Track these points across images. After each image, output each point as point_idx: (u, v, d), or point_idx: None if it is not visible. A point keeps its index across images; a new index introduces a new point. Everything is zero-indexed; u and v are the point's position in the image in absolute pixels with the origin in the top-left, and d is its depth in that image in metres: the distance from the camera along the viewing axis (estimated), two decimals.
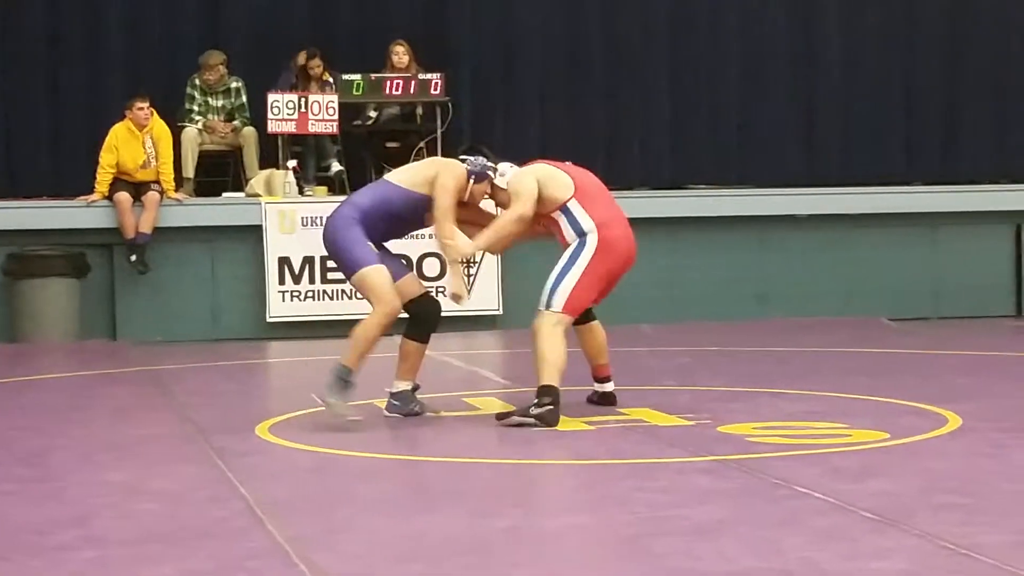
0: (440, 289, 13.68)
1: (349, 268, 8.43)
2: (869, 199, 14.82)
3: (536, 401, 8.07)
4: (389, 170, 14.21)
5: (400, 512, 6.22)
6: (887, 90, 15.87)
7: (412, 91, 14.25)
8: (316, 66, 14.27)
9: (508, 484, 6.99)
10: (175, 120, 14.13)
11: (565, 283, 8.25)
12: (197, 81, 14.38)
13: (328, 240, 8.52)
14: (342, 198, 13.84)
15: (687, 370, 10.92)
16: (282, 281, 13.53)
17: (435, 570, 5.31)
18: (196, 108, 14.37)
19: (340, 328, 13.47)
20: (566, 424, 8.14)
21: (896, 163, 15.81)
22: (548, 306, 8.22)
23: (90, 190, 13.58)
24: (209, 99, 14.42)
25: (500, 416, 8.21)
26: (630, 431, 8.07)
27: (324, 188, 14.19)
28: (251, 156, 14.29)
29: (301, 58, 14.37)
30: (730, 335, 13.01)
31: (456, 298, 8.55)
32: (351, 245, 8.37)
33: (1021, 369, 10.96)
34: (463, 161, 8.50)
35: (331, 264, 13.51)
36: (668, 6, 15.64)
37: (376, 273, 8.34)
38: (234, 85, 14.44)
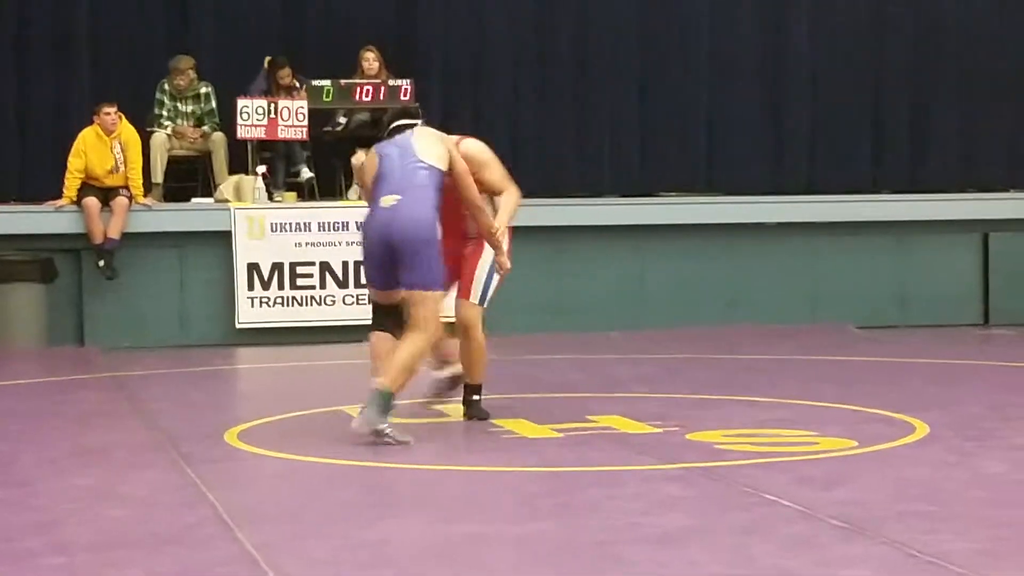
0: None
1: (426, 281, 8.00)
2: (837, 207, 14.87)
3: (477, 398, 8.38)
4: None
5: (368, 518, 6.22)
6: (855, 99, 15.91)
7: (382, 97, 14.24)
8: (285, 76, 14.24)
9: (476, 491, 6.99)
10: (144, 125, 14.09)
11: (492, 282, 8.33)
12: (166, 86, 14.34)
13: (417, 239, 7.99)
14: (311, 204, 13.97)
15: (655, 377, 10.94)
16: (251, 287, 13.50)
17: None
18: (165, 113, 14.33)
19: (309, 335, 13.52)
20: (534, 431, 8.14)
21: (864, 172, 15.86)
22: (482, 301, 8.29)
23: (58, 195, 13.52)
24: (178, 104, 14.38)
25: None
26: (599, 438, 8.07)
27: (294, 194, 14.17)
28: (220, 161, 14.26)
29: (267, 64, 14.36)
30: (698, 342, 13.03)
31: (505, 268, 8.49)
32: (437, 259, 8.04)
33: (988, 377, 11.01)
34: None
35: (300, 271, 13.53)
36: (638, 13, 15.65)
37: (443, 301, 8.20)
38: (203, 90, 14.41)
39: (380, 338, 8.26)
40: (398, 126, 8.46)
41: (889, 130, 16.03)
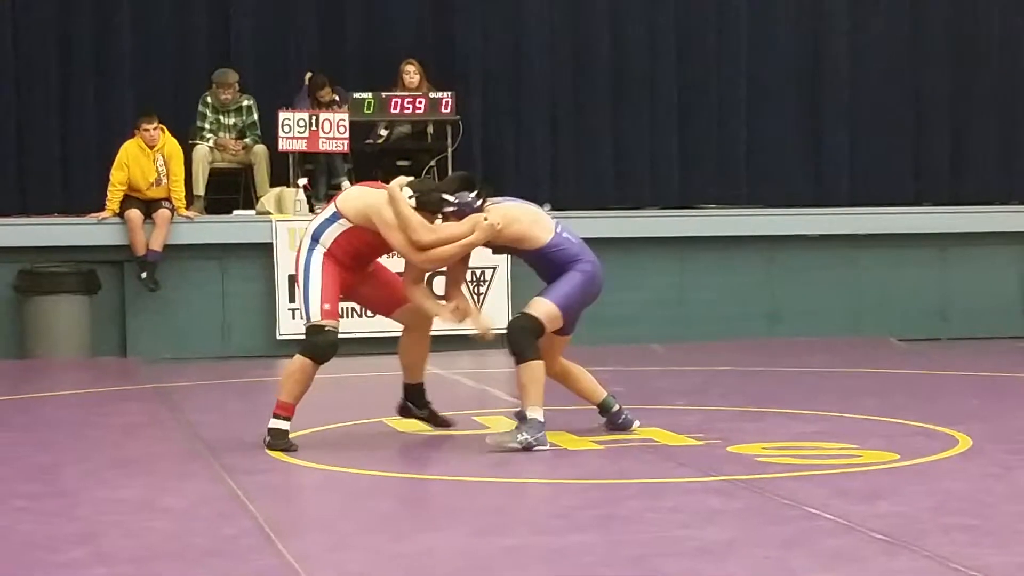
0: None
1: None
2: (878, 219, 14.82)
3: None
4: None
5: (407, 530, 6.23)
6: (896, 111, 15.88)
7: (423, 110, 14.28)
8: (325, 94, 14.28)
9: (515, 503, 7.00)
10: (186, 138, 14.16)
11: None
12: (209, 99, 14.41)
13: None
14: None
15: (697, 390, 10.92)
16: (292, 299, 13.52)
17: None
18: (207, 126, 14.40)
19: (350, 346, 13.50)
20: (575, 443, 8.14)
21: (905, 184, 15.81)
22: None
23: (101, 207, 13.60)
24: (221, 117, 14.45)
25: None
26: (639, 451, 8.06)
27: None
28: (262, 174, 14.31)
29: (307, 80, 14.41)
30: (740, 355, 13.00)
31: (485, 333, 8.42)
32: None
33: None
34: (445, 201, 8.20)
35: None
36: (677, 26, 15.65)
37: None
38: (246, 103, 14.47)
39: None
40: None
41: (930, 142, 15.97)
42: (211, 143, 14.32)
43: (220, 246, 13.69)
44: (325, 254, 8.27)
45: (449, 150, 14.39)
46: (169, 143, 13.66)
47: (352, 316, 13.58)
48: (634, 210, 14.89)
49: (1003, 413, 9.51)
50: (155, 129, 13.52)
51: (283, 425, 8.25)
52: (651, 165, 15.49)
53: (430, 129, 14.74)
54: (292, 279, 7.42)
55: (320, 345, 8.23)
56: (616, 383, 11.15)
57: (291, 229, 13.57)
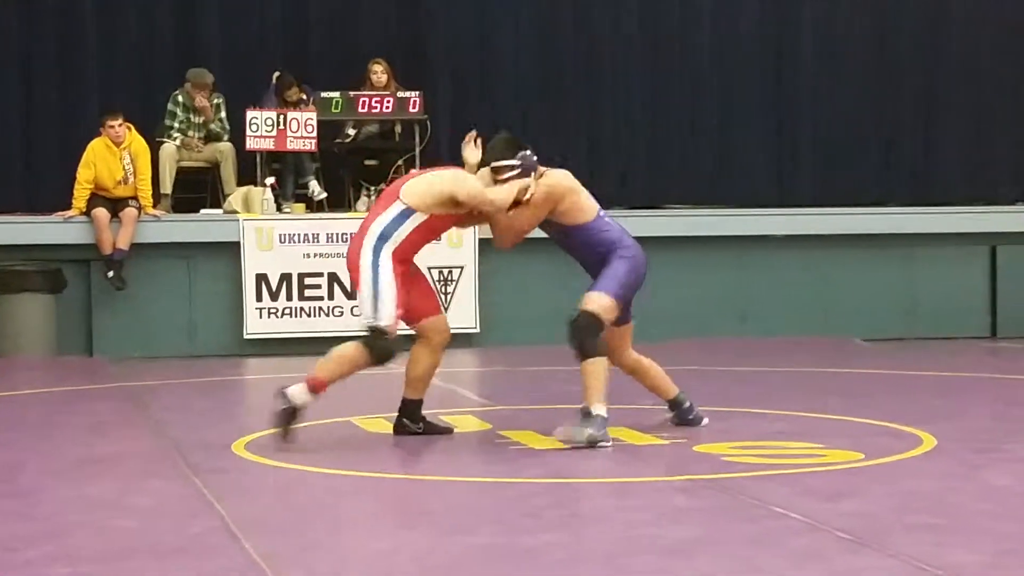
0: None
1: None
2: (845, 220, 14.88)
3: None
4: (368, 187, 14.41)
5: (375, 529, 6.23)
6: (863, 111, 15.95)
7: (390, 109, 14.28)
8: (292, 94, 14.27)
9: (484, 502, 7.00)
10: (153, 135, 14.11)
11: None
12: (180, 98, 14.36)
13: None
14: (319, 215, 13.98)
15: None
16: (259, 298, 13.52)
17: None
18: (177, 125, 14.35)
19: (317, 345, 13.49)
20: (543, 443, 8.15)
21: (872, 184, 15.88)
22: None
23: (67, 205, 13.56)
24: (192, 116, 14.41)
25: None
26: (607, 450, 8.07)
27: (302, 205, 14.20)
28: (228, 172, 14.29)
29: (275, 79, 14.40)
30: (706, 354, 13.03)
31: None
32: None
33: (995, 390, 11.00)
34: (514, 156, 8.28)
35: (309, 282, 13.55)
36: (643, 26, 15.70)
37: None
38: (216, 101, 14.44)
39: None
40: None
41: (897, 143, 16.06)
42: (178, 142, 14.28)
43: (187, 245, 13.67)
44: (393, 252, 8.15)
45: (417, 149, 14.39)
46: (136, 141, 13.62)
47: (319, 316, 13.58)
48: (602, 209, 14.88)
49: (968, 413, 9.56)
50: (120, 126, 13.48)
51: (304, 399, 8.08)
52: (619, 165, 15.51)
53: (398, 128, 14.74)
54: (354, 282, 7.23)
55: (384, 350, 8.06)
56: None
57: (258, 228, 13.55)
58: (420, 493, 7.20)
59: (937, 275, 14.93)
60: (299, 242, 13.59)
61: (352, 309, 13.59)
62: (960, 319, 14.86)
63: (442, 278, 13.68)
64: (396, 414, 8.54)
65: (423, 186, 8.25)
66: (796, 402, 9.90)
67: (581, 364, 8.19)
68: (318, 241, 13.60)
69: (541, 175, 8.34)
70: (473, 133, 8.62)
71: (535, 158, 8.35)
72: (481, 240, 13.32)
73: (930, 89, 16.09)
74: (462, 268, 13.75)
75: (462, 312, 13.59)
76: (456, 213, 8.25)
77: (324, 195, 14.32)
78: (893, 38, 16.07)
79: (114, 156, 13.50)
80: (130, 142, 13.56)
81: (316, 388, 8.10)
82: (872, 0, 16.10)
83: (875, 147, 16.04)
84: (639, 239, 14.22)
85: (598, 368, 8.14)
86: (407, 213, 8.18)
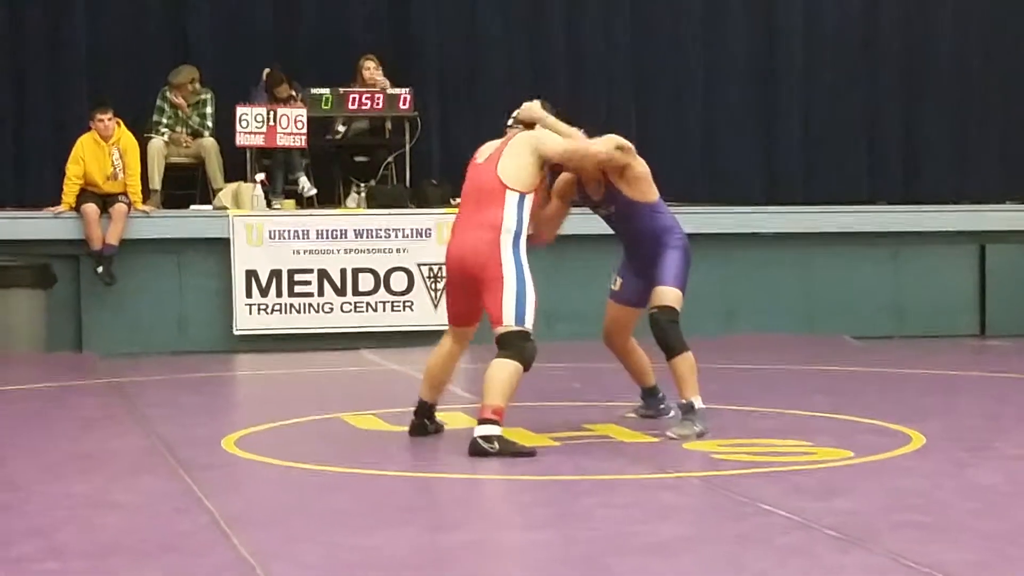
0: (407, 303, 13.71)
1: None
2: (833, 218, 14.90)
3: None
4: (358, 184, 14.41)
5: (363, 526, 6.23)
6: (850, 110, 15.97)
7: (380, 106, 14.28)
8: (282, 91, 14.26)
9: (470, 499, 7.00)
10: (143, 131, 14.11)
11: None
12: (168, 94, 14.37)
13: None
14: (309, 212, 13.98)
15: None
16: (249, 294, 13.52)
17: None
18: (165, 120, 14.35)
19: (306, 342, 13.54)
20: (532, 439, 8.16)
21: (860, 183, 15.90)
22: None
23: (56, 201, 13.54)
24: (180, 112, 14.40)
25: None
26: (595, 447, 8.08)
27: (292, 201, 14.20)
28: (213, 168, 14.27)
29: (265, 76, 14.39)
30: (695, 352, 12.98)
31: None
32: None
33: (984, 388, 11.03)
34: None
35: (298, 278, 13.56)
36: (631, 24, 15.71)
37: None
38: (203, 97, 14.43)
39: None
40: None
41: (884, 141, 16.09)
42: (166, 137, 14.27)
43: (177, 241, 13.66)
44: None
45: (407, 146, 14.40)
46: (125, 137, 13.61)
47: (309, 312, 13.58)
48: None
49: (956, 411, 9.58)
50: (109, 120, 13.47)
51: (498, 431, 7.73)
52: None
53: (388, 125, 14.74)
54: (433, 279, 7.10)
55: (533, 354, 7.88)
56: (572, 380, 11.21)
57: (248, 224, 13.55)
58: (409, 489, 7.20)
59: (926, 273, 14.96)
60: (289, 238, 13.59)
61: (341, 305, 13.60)
62: (948, 317, 14.88)
63: (432, 275, 13.69)
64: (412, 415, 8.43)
65: (515, 164, 8.06)
66: (785, 400, 9.91)
67: (669, 361, 8.37)
68: (308, 237, 13.60)
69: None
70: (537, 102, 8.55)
71: (582, 130, 8.62)
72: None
73: (918, 88, 16.12)
74: None
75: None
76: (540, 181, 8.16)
77: (314, 191, 14.32)
78: (881, 37, 16.09)
79: (103, 152, 13.49)
80: (119, 137, 13.55)
81: (500, 415, 7.78)
82: (858, 0, 16.11)
83: (863, 145, 16.06)
84: None
85: (690, 362, 8.37)
86: (522, 200, 8.03)
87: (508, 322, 7.85)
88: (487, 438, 7.66)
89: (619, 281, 8.78)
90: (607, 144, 8.42)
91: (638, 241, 8.60)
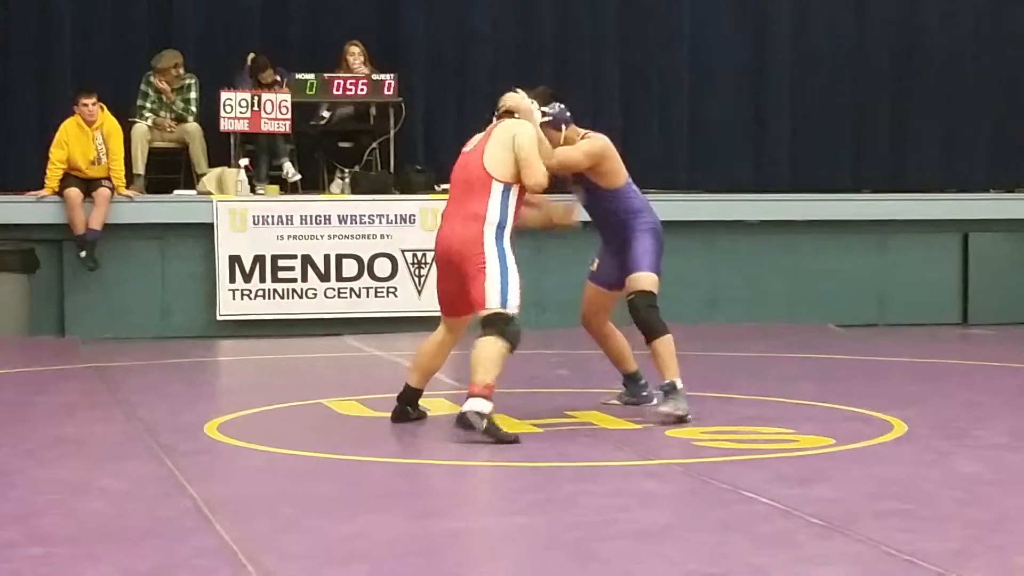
0: (391, 289, 13.71)
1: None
2: (818, 206, 14.91)
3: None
4: (342, 170, 14.40)
5: (347, 512, 6.23)
6: (836, 97, 15.98)
7: (365, 91, 14.25)
8: (267, 76, 14.23)
9: (454, 486, 7.01)
10: (126, 117, 14.07)
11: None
12: (152, 78, 14.33)
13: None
14: (293, 197, 13.97)
15: None
16: (233, 279, 13.50)
17: (380, 571, 5.32)
18: (149, 105, 14.32)
19: (290, 327, 13.53)
20: (515, 427, 8.16)
21: (845, 171, 15.92)
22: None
23: (40, 185, 13.51)
24: (163, 96, 14.37)
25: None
26: (578, 434, 8.10)
27: (276, 187, 14.18)
28: (197, 153, 14.24)
29: (250, 61, 14.37)
30: (678, 339, 12.97)
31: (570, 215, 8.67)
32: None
33: (967, 377, 11.05)
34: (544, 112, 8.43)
35: (282, 263, 13.54)
36: (619, 11, 15.69)
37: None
38: (187, 82, 14.40)
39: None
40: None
41: (870, 129, 16.10)
42: (150, 122, 14.24)
43: (160, 226, 13.63)
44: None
45: (391, 132, 14.38)
46: (108, 121, 13.57)
47: (293, 298, 13.57)
48: (574, 195, 14.89)
49: (939, 399, 9.60)
50: (93, 105, 13.43)
51: (490, 406, 7.80)
52: None
53: (373, 111, 14.72)
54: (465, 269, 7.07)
55: (516, 332, 7.91)
56: (555, 366, 11.21)
57: (232, 210, 13.53)
58: (392, 476, 7.21)
59: (909, 262, 14.98)
60: (273, 224, 13.57)
61: (325, 291, 13.59)
62: (932, 306, 14.91)
63: (416, 261, 13.68)
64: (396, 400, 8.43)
65: (500, 156, 8.08)
66: (767, 387, 9.93)
67: (649, 344, 8.46)
68: (292, 223, 13.59)
69: (583, 136, 8.61)
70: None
71: (568, 113, 8.62)
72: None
73: (904, 76, 16.13)
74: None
75: (435, 295, 13.56)
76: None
77: (298, 177, 14.30)
78: (867, 25, 16.09)
79: (86, 136, 13.46)
80: (102, 122, 13.51)
81: (491, 391, 7.81)
82: None
83: (848, 134, 16.07)
84: None
85: (670, 344, 8.46)
86: (507, 190, 8.08)
87: (491, 305, 7.89)
88: (479, 413, 7.68)
89: (596, 262, 8.85)
90: (578, 152, 8.45)
91: (607, 223, 8.73)
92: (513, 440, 7.73)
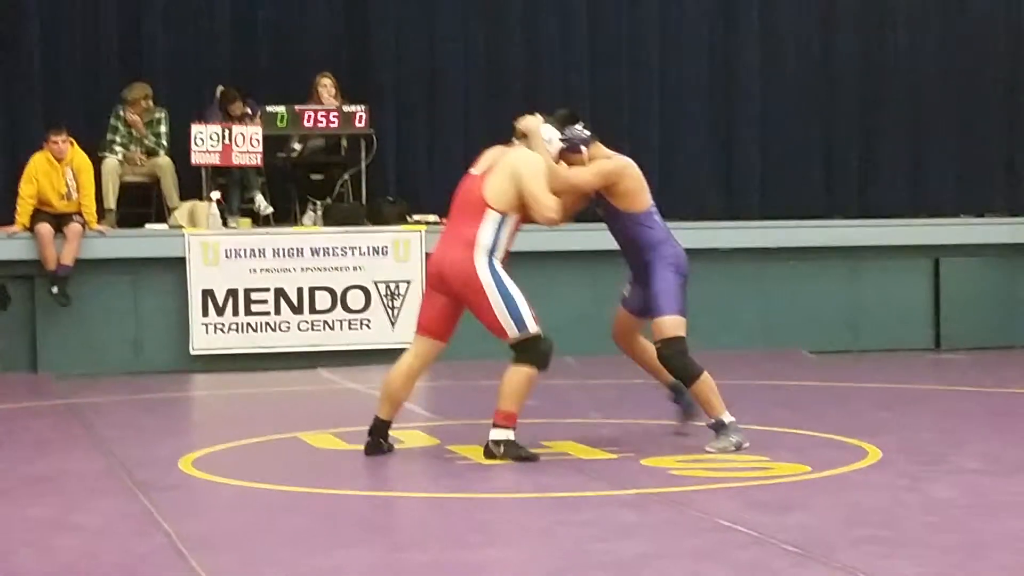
0: (365, 321, 13.69)
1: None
2: (789, 233, 14.96)
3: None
4: (314, 202, 14.38)
5: (321, 546, 6.22)
6: (806, 124, 16.04)
7: (336, 123, 14.25)
8: (236, 108, 14.22)
9: (430, 518, 7.00)
10: (96, 151, 14.04)
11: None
12: (122, 112, 14.31)
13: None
14: (265, 230, 13.95)
15: (610, 403, 10.96)
16: (205, 313, 13.47)
17: None
18: (119, 139, 14.29)
19: (263, 361, 13.49)
20: (490, 458, 8.15)
21: (815, 197, 15.97)
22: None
23: (10, 221, 13.47)
24: (133, 130, 14.34)
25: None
26: (554, 464, 8.09)
27: (248, 220, 14.16)
28: (168, 186, 14.21)
29: (219, 94, 14.36)
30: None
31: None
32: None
33: (939, 402, 11.09)
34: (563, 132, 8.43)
35: (255, 297, 13.52)
36: (589, 40, 15.73)
37: None
38: (157, 116, 14.38)
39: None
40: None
41: (839, 156, 16.16)
42: (120, 156, 14.21)
43: (132, 260, 13.60)
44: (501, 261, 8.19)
45: (363, 164, 14.38)
46: (78, 156, 13.54)
47: (266, 331, 13.55)
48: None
49: (913, 425, 9.63)
50: (64, 142, 13.41)
51: (512, 435, 8.09)
52: None
53: (344, 143, 14.72)
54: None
55: (547, 353, 8.12)
56: (531, 396, 11.20)
57: (204, 243, 13.51)
58: (367, 509, 7.19)
59: (881, 287, 15.03)
60: (245, 257, 13.56)
61: (298, 324, 13.56)
62: (904, 331, 14.96)
63: (389, 292, 13.68)
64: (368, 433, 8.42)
65: (502, 186, 8.18)
66: (741, 415, 9.89)
67: (690, 389, 8.55)
68: (264, 256, 13.57)
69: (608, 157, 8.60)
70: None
71: (587, 134, 8.57)
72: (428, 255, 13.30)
73: (872, 103, 16.20)
74: (409, 282, 13.75)
75: (408, 327, 13.55)
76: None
77: (270, 210, 14.30)
78: (836, 52, 16.17)
79: (56, 171, 13.43)
80: (72, 157, 13.48)
81: (512, 421, 8.09)
82: (815, 15, 16.19)
83: (819, 161, 16.13)
84: (583, 253, 14.36)
85: (709, 384, 8.52)
86: (503, 220, 8.20)
87: (512, 333, 8.08)
88: (496, 443, 8.07)
89: (628, 288, 8.87)
90: (588, 173, 8.48)
91: (628, 249, 8.77)
92: (533, 458, 8.03)
